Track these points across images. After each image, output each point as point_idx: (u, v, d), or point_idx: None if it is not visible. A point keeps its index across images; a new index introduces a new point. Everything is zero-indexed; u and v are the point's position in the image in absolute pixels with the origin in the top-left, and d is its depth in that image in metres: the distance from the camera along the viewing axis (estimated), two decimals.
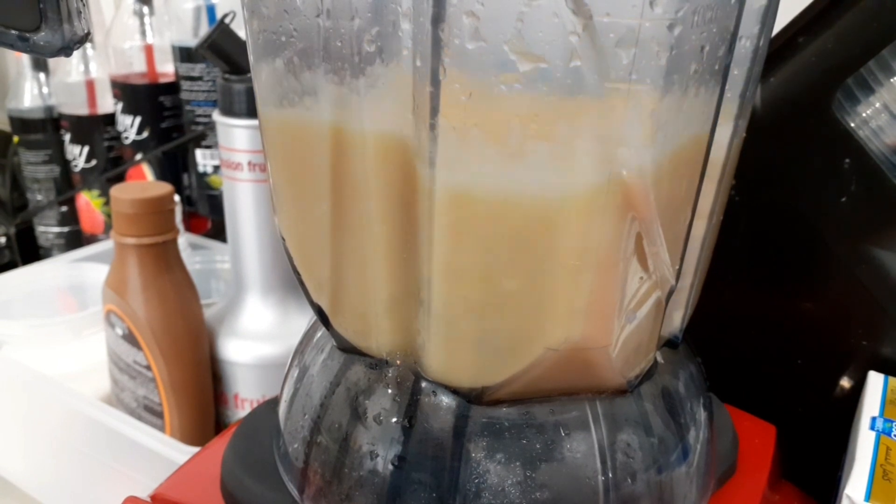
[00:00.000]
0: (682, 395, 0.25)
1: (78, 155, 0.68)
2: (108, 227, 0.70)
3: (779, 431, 0.31)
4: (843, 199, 0.31)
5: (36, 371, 0.44)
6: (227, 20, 0.42)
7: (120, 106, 0.65)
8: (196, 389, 0.45)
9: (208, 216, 0.67)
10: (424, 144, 0.19)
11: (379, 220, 0.21)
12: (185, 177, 0.67)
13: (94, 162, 0.69)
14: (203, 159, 0.63)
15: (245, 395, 0.46)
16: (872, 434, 0.26)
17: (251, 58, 0.23)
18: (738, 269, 0.35)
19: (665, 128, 0.18)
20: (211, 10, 0.60)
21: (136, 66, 0.65)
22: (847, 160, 0.31)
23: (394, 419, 0.22)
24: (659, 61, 0.17)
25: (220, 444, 0.28)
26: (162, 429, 0.45)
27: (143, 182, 0.64)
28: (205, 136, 0.62)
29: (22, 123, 0.70)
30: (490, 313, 0.21)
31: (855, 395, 0.30)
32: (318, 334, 0.26)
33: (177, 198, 0.45)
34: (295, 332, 0.39)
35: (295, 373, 0.26)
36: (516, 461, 0.21)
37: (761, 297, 0.35)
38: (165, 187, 0.43)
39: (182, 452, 0.37)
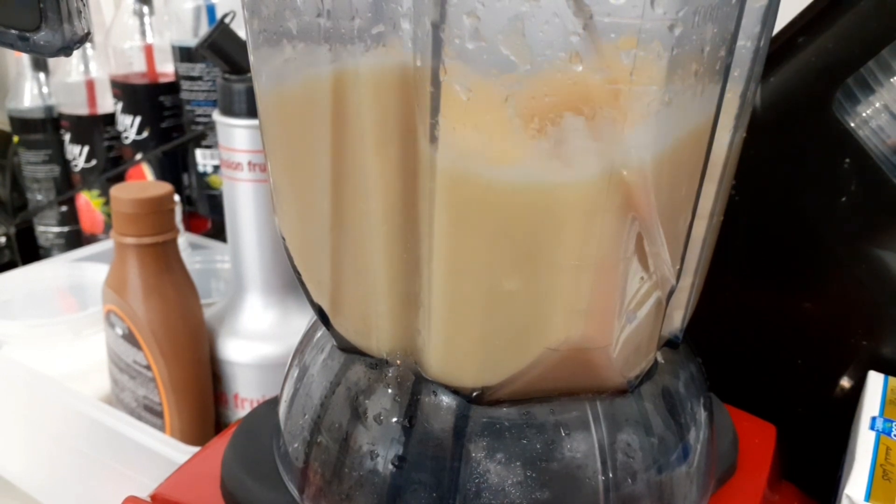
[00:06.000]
0: (683, 395, 0.25)
1: (78, 155, 0.68)
2: (108, 227, 0.70)
3: (779, 431, 0.31)
4: (843, 199, 0.31)
5: (36, 371, 0.44)
6: (227, 20, 0.42)
7: (120, 106, 0.65)
8: (196, 389, 0.45)
9: (208, 216, 0.67)
10: (424, 144, 0.19)
11: (380, 219, 0.21)
12: (185, 177, 0.67)
13: (94, 162, 0.69)
14: (203, 159, 0.63)
15: (245, 395, 0.46)
16: (872, 434, 0.26)
17: (251, 56, 0.23)
18: (739, 269, 0.35)
19: (666, 128, 0.18)
20: (211, 10, 0.60)
21: (136, 66, 0.65)
22: (847, 160, 0.31)
23: (394, 419, 0.22)
24: (660, 62, 0.17)
25: (220, 444, 0.28)
26: (162, 429, 0.45)
27: (143, 182, 0.64)
28: (205, 136, 0.62)
29: (22, 123, 0.70)
30: (490, 313, 0.21)
31: (855, 395, 0.30)
32: (318, 334, 0.26)
33: (177, 198, 0.45)
34: (295, 332, 0.39)
35: (295, 373, 0.26)
36: (516, 461, 0.21)
37: (761, 296, 0.35)
38: (165, 187, 0.43)
39: (182, 452, 0.37)
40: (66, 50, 0.21)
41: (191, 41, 0.60)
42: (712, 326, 0.30)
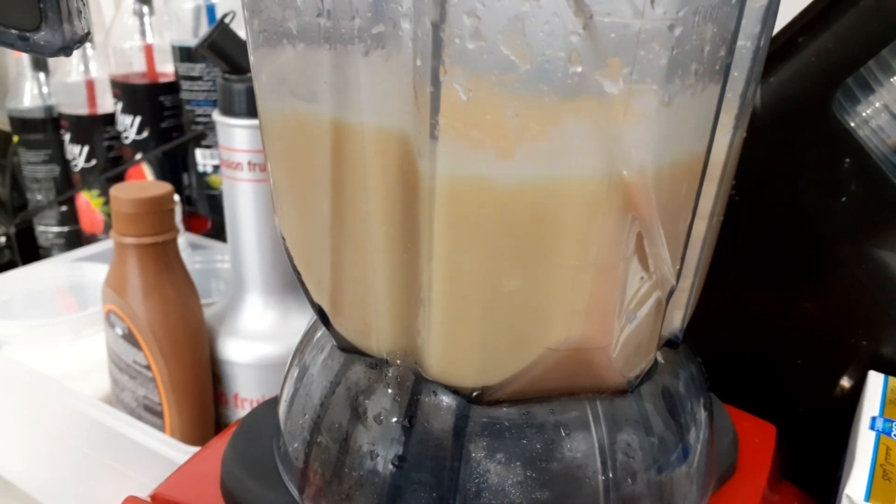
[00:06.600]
0: (683, 395, 0.25)
1: (78, 155, 0.68)
2: (108, 227, 0.70)
3: (779, 431, 0.31)
4: (843, 199, 0.31)
5: (36, 371, 0.44)
6: (227, 20, 0.42)
7: (120, 106, 0.65)
8: (196, 389, 0.45)
9: (208, 216, 0.67)
10: (424, 144, 0.19)
11: (380, 219, 0.21)
12: (185, 177, 0.67)
13: (93, 162, 0.69)
14: (203, 159, 0.63)
15: (245, 395, 0.46)
16: (872, 434, 0.26)
17: (251, 56, 0.23)
18: (739, 269, 0.35)
19: (666, 128, 0.18)
20: (211, 10, 0.60)
21: (136, 66, 0.65)
22: (847, 160, 0.31)
23: (394, 419, 0.22)
24: (660, 61, 0.17)
25: (220, 444, 0.28)
26: (162, 429, 0.45)
27: (143, 182, 0.64)
28: (205, 136, 0.62)
29: (22, 123, 0.70)
30: (490, 313, 0.21)
31: (855, 395, 0.30)
32: (318, 334, 0.26)
33: (177, 198, 0.45)
34: (295, 332, 0.39)
35: (295, 372, 0.26)
36: (517, 461, 0.21)
37: (761, 297, 0.35)
38: (165, 187, 0.43)
39: (182, 452, 0.37)
40: (66, 50, 0.21)
41: (191, 41, 0.60)
42: (712, 326, 0.30)
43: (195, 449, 0.33)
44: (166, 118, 0.65)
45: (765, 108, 0.33)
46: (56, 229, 0.73)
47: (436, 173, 0.19)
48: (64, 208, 0.73)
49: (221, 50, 0.42)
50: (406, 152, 0.20)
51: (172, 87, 0.64)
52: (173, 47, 0.62)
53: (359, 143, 0.20)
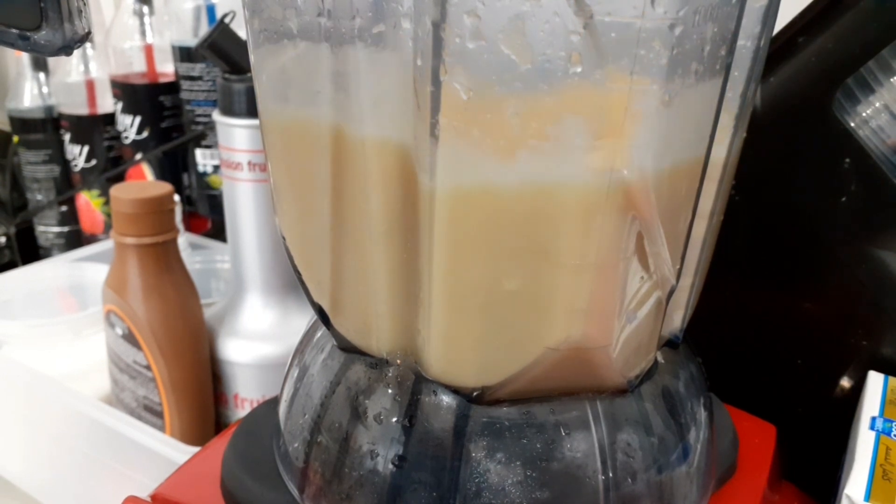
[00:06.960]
0: (683, 394, 0.25)
1: (78, 155, 0.68)
2: (108, 227, 0.70)
3: (779, 431, 0.31)
4: (843, 199, 0.31)
5: (36, 371, 0.44)
6: (227, 20, 0.42)
7: (120, 106, 0.65)
8: (196, 389, 0.45)
9: (208, 216, 0.67)
10: (425, 143, 0.19)
11: (380, 219, 0.21)
12: (185, 177, 0.67)
13: (94, 162, 0.69)
14: (203, 159, 0.63)
15: (245, 395, 0.46)
16: (872, 434, 0.26)
17: (252, 57, 0.23)
18: (739, 269, 0.35)
19: (666, 127, 0.18)
20: (211, 10, 0.60)
21: (136, 66, 0.65)
22: (847, 160, 0.31)
23: (394, 419, 0.22)
24: (660, 61, 0.17)
25: (220, 444, 0.28)
26: (162, 429, 0.45)
27: (143, 182, 0.64)
28: (205, 136, 0.62)
29: (22, 123, 0.70)
30: (490, 313, 0.21)
31: (855, 395, 0.30)
32: (319, 334, 0.26)
33: (177, 198, 0.45)
34: (295, 332, 0.39)
35: (295, 372, 0.26)
36: (517, 461, 0.21)
37: (761, 296, 0.35)
38: (165, 187, 0.43)
39: (182, 452, 0.37)
40: (66, 49, 0.21)
41: (191, 41, 0.60)
42: (712, 326, 0.30)
43: (195, 449, 0.33)
44: (166, 118, 0.65)
45: (765, 108, 0.33)
46: (56, 229, 0.73)
47: (436, 173, 0.19)
48: (64, 208, 0.73)
49: (221, 50, 0.42)
50: (406, 162, 0.20)
51: (172, 87, 0.64)
52: (173, 47, 0.62)
53: (360, 154, 0.20)
